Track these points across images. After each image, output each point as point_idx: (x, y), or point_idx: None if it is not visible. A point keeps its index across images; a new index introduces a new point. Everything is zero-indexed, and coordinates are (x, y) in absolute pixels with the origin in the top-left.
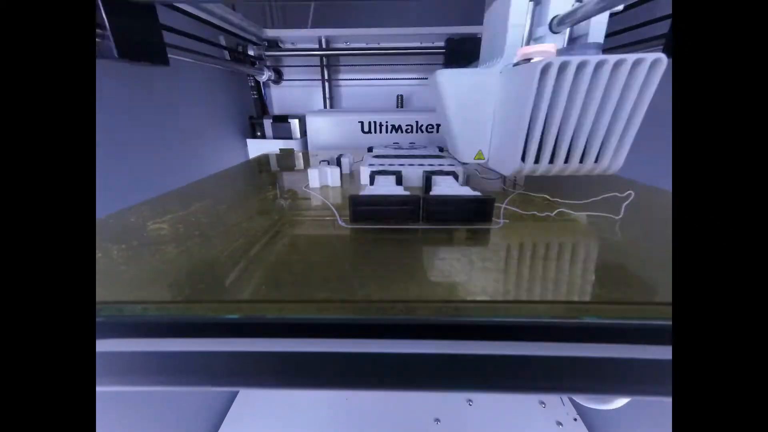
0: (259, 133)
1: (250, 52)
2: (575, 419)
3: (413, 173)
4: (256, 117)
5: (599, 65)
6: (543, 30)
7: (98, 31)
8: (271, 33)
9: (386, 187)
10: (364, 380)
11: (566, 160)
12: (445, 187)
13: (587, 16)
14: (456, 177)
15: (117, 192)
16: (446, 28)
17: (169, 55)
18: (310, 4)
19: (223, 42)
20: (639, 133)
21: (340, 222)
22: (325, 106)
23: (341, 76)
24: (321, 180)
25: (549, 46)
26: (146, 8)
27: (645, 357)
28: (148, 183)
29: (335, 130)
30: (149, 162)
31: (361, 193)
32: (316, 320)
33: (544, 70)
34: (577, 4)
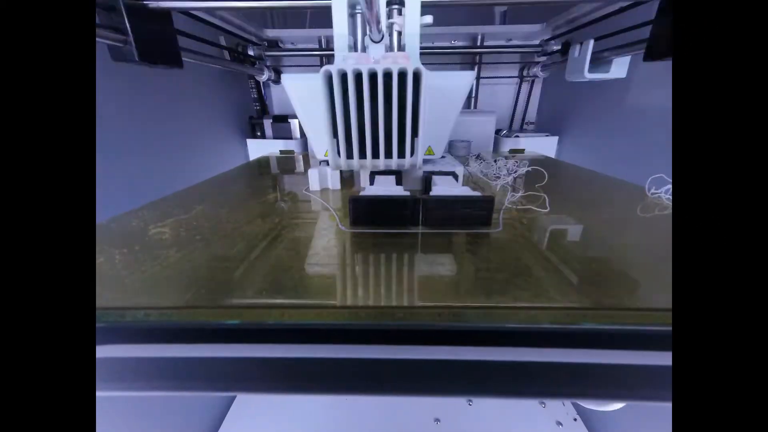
0: (259, 133)
1: (250, 52)
2: (575, 419)
3: (413, 174)
4: (256, 117)
5: (372, 74)
6: (368, 40)
7: (121, 36)
8: (271, 33)
9: (386, 187)
10: (364, 386)
11: (376, 156)
12: (444, 187)
13: (381, 23)
14: (456, 177)
15: (117, 192)
16: (447, 28)
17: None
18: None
19: (223, 42)
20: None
21: (340, 226)
22: None
23: None
24: (321, 182)
25: (365, 57)
26: (163, 15)
27: (644, 363)
28: (148, 183)
29: None
30: (149, 162)
31: (361, 193)
32: (317, 326)
33: (328, 75)
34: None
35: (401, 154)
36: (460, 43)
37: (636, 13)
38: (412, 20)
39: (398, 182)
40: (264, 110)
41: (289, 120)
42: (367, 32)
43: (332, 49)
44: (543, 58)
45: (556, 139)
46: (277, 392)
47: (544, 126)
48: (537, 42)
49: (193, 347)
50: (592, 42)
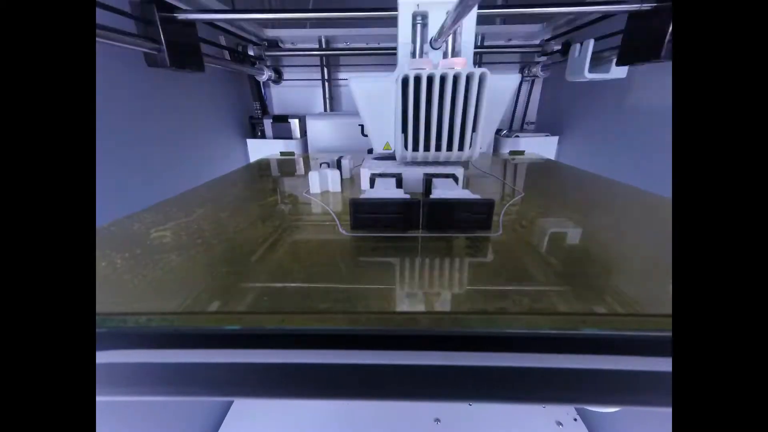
0: (259, 133)
1: (250, 52)
2: (575, 419)
3: (413, 176)
4: (256, 117)
5: (443, 77)
6: (427, 47)
7: (155, 45)
8: (271, 33)
9: (386, 190)
10: (364, 391)
11: (438, 149)
12: (445, 189)
13: (449, 31)
14: (456, 180)
15: (118, 192)
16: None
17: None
18: (308, 3)
19: (223, 42)
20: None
21: (341, 230)
22: (325, 106)
23: (341, 76)
24: (321, 185)
25: (425, 61)
26: (190, 25)
27: (644, 369)
28: (149, 183)
29: (335, 132)
30: (150, 162)
31: (362, 196)
32: (317, 331)
33: (404, 81)
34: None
35: (461, 147)
36: None
37: None
38: (469, 29)
39: (398, 185)
40: (264, 110)
41: (289, 120)
42: (428, 40)
43: (332, 49)
44: (543, 58)
45: (556, 139)
46: (277, 397)
47: (544, 126)
48: (537, 42)
49: (194, 352)
50: (592, 42)
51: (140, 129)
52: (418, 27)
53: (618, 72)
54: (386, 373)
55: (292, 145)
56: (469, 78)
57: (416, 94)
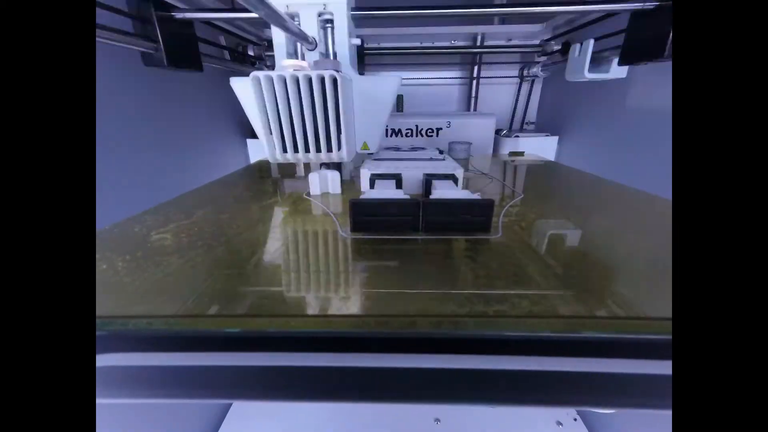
0: None
1: (250, 52)
2: (575, 419)
3: (413, 176)
4: None
5: (300, 79)
6: (305, 48)
7: (153, 44)
8: (271, 33)
9: (386, 190)
10: (365, 394)
11: (307, 150)
12: (444, 190)
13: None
14: (455, 181)
15: (118, 192)
16: (447, 27)
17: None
18: None
19: (223, 42)
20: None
21: (341, 233)
22: None
23: None
24: (321, 186)
25: (299, 63)
26: (188, 24)
27: (644, 372)
28: (149, 183)
29: None
30: (150, 162)
31: (361, 197)
32: (317, 334)
33: (254, 81)
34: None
35: (329, 149)
36: (460, 43)
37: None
38: (341, 31)
39: (398, 186)
40: None
41: None
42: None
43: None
44: (543, 58)
45: (556, 139)
46: (277, 400)
47: (544, 126)
48: (537, 42)
49: (195, 355)
50: (592, 42)
51: (140, 129)
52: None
53: (618, 72)
54: (386, 376)
55: None
56: (331, 80)
57: (280, 95)
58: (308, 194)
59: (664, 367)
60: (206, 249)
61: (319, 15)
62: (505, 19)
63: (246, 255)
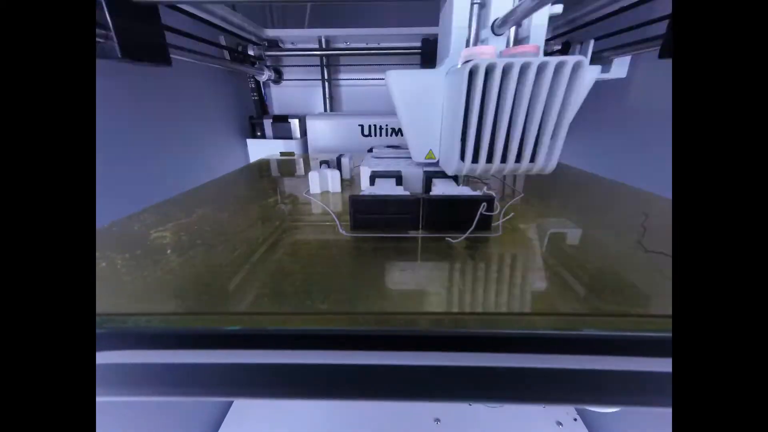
0: (259, 133)
1: (250, 52)
2: (575, 419)
3: (413, 175)
4: (256, 117)
5: (524, 67)
6: (486, 32)
7: (101, 32)
8: (271, 33)
9: (386, 188)
10: (366, 391)
11: (504, 160)
12: (444, 188)
13: (525, 16)
14: (456, 180)
15: (118, 192)
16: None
17: (170, 55)
18: (307, 4)
19: (223, 42)
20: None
21: (340, 231)
22: (325, 106)
23: (341, 76)
24: (321, 185)
25: (488, 48)
26: (149, 9)
27: (645, 369)
28: (150, 182)
29: (335, 133)
30: (151, 161)
31: (362, 193)
32: (317, 332)
33: (473, 71)
34: (517, 3)
35: (532, 158)
36: None
37: (637, 13)
38: (542, 10)
39: (398, 183)
40: (264, 110)
41: (289, 120)
42: (490, 24)
43: (332, 49)
44: None
45: None
46: (278, 397)
47: None
48: None
49: (195, 353)
50: (592, 42)
51: (140, 129)
52: (475, 8)
53: (618, 72)
54: (386, 373)
55: (292, 145)
56: (542, 69)
57: (482, 92)
58: (308, 193)
59: (664, 365)
60: (206, 248)
61: None
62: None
63: (242, 254)
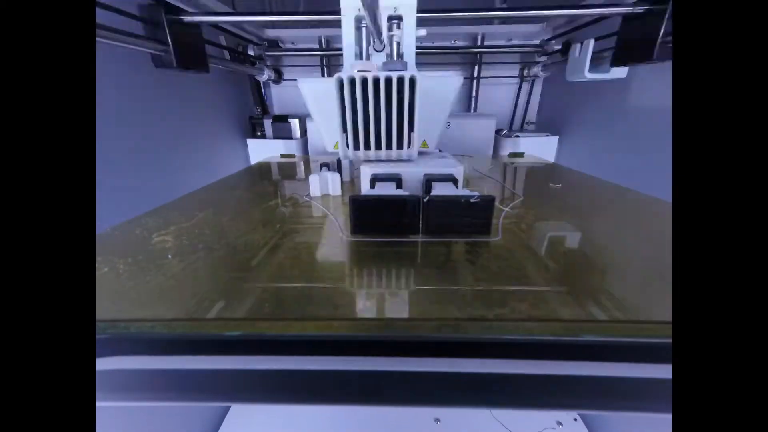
0: (259, 133)
1: (250, 52)
2: (575, 419)
3: (413, 177)
4: (257, 117)
5: (376, 80)
6: (371, 49)
7: (162, 46)
8: (271, 33)
9: (386, 190)
10: (366, 397)
11: (378, 148)
12: (444, 190)
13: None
14: (455, 183)
15: (118, 191)
16: (447, 27)
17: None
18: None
19: (223, 42)
20: None
21: (341, 235)
22: None
23: None
24: (322, 188)
25: (369, 64)
26: (195, 27)
27: (644, 375)
28: (150, 182)
29: None
30: (151, 161)
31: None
32: (318, 338)
33: (340, 81)
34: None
35: (399, 146)
36: (461, 43)
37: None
38: (409, 33)
39: (398, 186)
40: (264, 110)
41: (290, 120)
42: (371, 43)
43: (332, 49)
44: (543, 58)
45: (556, 139)
46: (279, 403)
47: (544, 126)
48: (537, 42)
49: (197, 359)
50: (592, 42)
51: (140, 129)
52: (363, 30)
53: (618, 72)
54: (387, 379)
55: (292, 145)
56: (401, 81)
57: (353, 96)
58: (308, 196)
59: (663, 371)
60: (207, 252)
61: (389, 18)
62: (504, 20)
63: (244, 258)
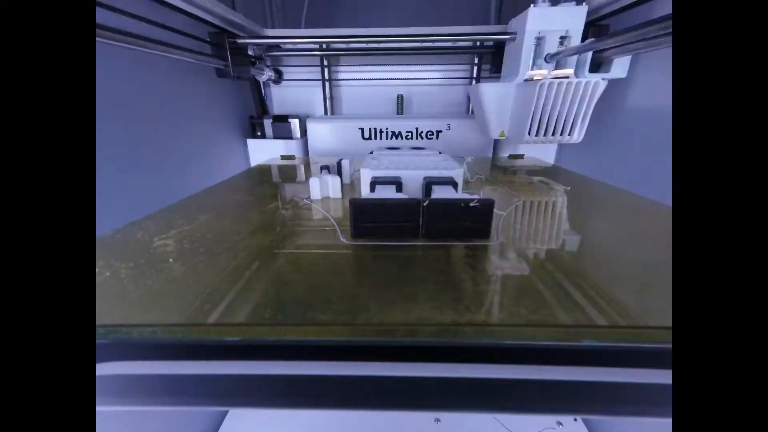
0: (259, 133)
1: (250, 52)
2: (575, 419)
3: (413, 180)
4: (257, 117)
5: (561, 83)
6: (540, 61)
7: (223, 62)
8: (271, 33)
9: (386, 194)
10: (365, 402)
11: (554, 134)
12: (444, 194)
13: (569, 54)
14: (455, 186)
15: (118, 191)
16: (447, 28)
17: (170, 55)
18: (304, 4)
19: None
20: None
21: (341, 238)
22: (325, 106)
23: (341, 76)
24: (322, 191)
25: (544, 72)
26: (245, 47)
27: (644, 381)
28: (150, 182)
29: (336, 136)
30: (151, 161)
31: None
32: (318, 343)
33: (541, 85)
34: (560, 48)
35: (563, 134)
36: (461, 43)
37: (637, 13)
38: (573, 48)
39: (398, 189)
40: (264, 110)
41: (289, 120)
42: (543, 55)
43: (332, 50)
44: None
45: None
46: (278, 407)
47: None
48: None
49: (197, 364)
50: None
51: (141, 129)
52: (535, 46)
53: (618, 72)
54: (386, 384)
55: (292, 146)
56: (587, 85)
57: (540, 96)
58: (308, 199)
59: (663, 376)
60: (208, 256)
61: (560, 38)
62: (499, 19)
63: (244, 262)
